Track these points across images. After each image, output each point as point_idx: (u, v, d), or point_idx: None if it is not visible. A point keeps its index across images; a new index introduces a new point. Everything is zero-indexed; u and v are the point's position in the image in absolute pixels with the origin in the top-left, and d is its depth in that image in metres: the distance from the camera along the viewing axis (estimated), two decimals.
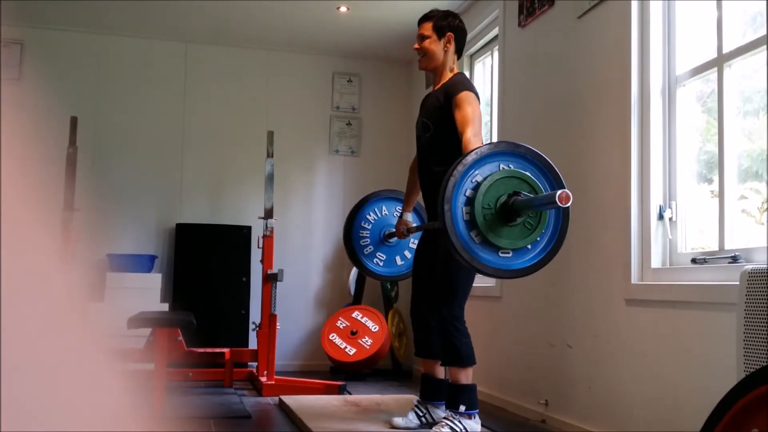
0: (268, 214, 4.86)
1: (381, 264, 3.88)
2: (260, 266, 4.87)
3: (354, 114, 6.28)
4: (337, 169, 6.22)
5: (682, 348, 2.82)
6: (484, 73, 5.25)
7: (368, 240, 3.86)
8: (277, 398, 4.27)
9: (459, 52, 3.39)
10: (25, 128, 0.39)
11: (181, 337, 4.16)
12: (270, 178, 4.94)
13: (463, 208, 2.56)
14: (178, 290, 5.59)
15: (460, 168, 2.57)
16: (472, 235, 2.57)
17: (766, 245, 2.57)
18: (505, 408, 4.16)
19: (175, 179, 5.87)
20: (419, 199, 3.63)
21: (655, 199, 3.15)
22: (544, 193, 2.56)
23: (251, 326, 5.32)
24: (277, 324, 4.74)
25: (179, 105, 5.93)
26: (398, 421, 3.32)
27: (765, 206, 2.90)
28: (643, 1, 3.25)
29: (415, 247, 3.65)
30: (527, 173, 2.63)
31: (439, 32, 3.33)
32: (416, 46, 3.38)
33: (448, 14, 3.39)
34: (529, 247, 2.63)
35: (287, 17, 5.42)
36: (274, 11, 5.31)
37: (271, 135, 5.06)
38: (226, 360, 4.86)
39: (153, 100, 5.87)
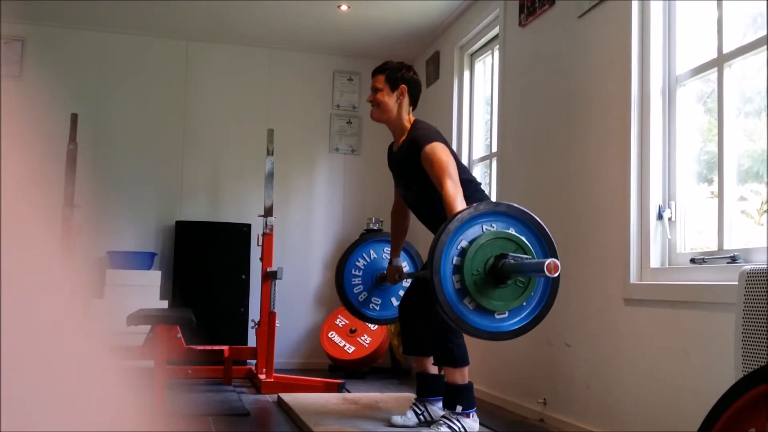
0: (268, 212, 4.87)
1: (378, 308, 3.84)
2: (260, 264, 4.87)
3: (354, 112, 6.28)
4: (337, 167, 6.22)
5: (681, 348, 2.82)
6: (485, 73, 5.25)
7: (361, 287, 3.83)
8: (276, 396, 4.27)
9: (414, 103, 3.35)
10: (26, 125, 0.40)
11: (180, 335, 4.16)
12: (270, 176, 4.94)
13: (453, 278, 2.55)
14: (177, 287, 5.59)
15: (444, 237, 2.54)
16: (465, 303, 2.56)
17: (765, 246, 2.57)
18: (504, 407, 4.16)
19: (176, 177, 5.87)
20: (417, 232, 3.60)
21: (655, 199, 3.15)
22: (533, 261, 2.54)
23: (250, 324, 5.32)
24: (277, 322, 4.74)
25: (180, 102, 5.93)
26: (397, 419, 3.32)
27: (764, 207, 2.91)
28: (643, 1, 3.25)
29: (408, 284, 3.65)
30: (511, 230, 2.63)
31: (392, 84, 3.29)
32: (369, 98, 3.35)
33: (401, 66, 3.35)
34: (524, 304, 2.63)
35: (288, 15, 5.42)
36: (274, 9, 5.31)
37: (271, 133, 5.06)
38: (226, 357, 4.86)
39: (154, 97, 5.87)
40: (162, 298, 5.34)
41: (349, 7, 5.21)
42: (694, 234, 3.12)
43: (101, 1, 5.22)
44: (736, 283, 2.15)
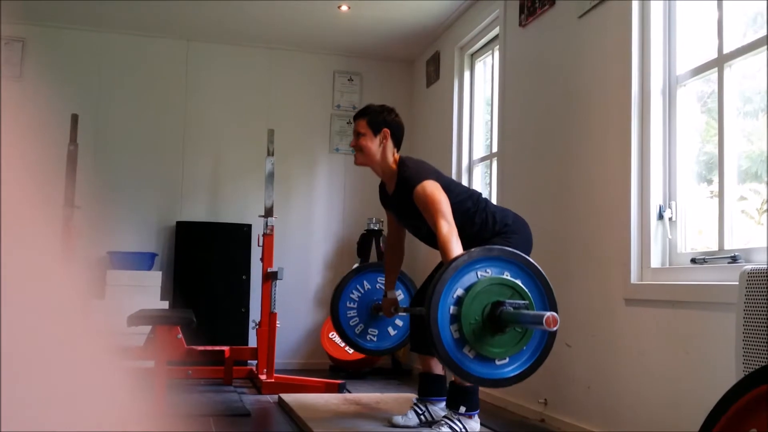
0: (269, 212, 4.87)
1: (375, 339, 3.82)
2: (260, 264, 4.88)
3: (354, 112, 6.27)
4: (337, 167, 6.22)
5: (681, 348, 2.82)
6: (485, 73, 5.25)
7: (357, 319, 3.80)
8: (276, 396, 4.27)
9: (398, 145, 3.32)
10: (27, 126, 0.40)
11: (181, 335, 4.17)
12: (270, 177, 4.94)
13: (451, 327, 2.54)
14: (178, 288, 5.59)
15: (439, 287, 2.53)
16: (465, 352, 2.56)
17: (765, 245, 2.57)
18: (505, 407, 4.16)
19: (176, 177, 5.88)
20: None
21: (655, 199, 3.15)
22: (532, 313, 2.53)
23: (251, 324, 5.32)
24: (277, 322, 4.75)
25: (180, 103, 5.93)
26: (398, 419, 3.32)
27: (764, 207, 2.91)
28: (643, 1, 3.25)
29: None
30: (507, 275, 2.62)
31: (375, 129, 3.26)
32: (352, 143, 3.33)
33: (383, 109, 3.33)
34: (524, 348, 2.62)
35: (288, 16, 5.42)
36: (275, 10, 5.32)
37: (271, 133, 5.06)
38: (226, 358, 4.86)
39: (154, 97, 5.87)
40: (163, 298, 5.34)
41: (349, 8, 5.21)
42: (695, 234, 3.12)
43: (102, 2, 5.22)
44: (737, 283, 2.15)
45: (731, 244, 2.80)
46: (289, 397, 4.02)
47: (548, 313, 2.39)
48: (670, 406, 2.86)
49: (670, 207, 3.13)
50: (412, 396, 3.63)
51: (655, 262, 3.13)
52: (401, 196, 3.17)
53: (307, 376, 4.92)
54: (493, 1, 4.73)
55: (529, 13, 4.18)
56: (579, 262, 3.56)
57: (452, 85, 5.41)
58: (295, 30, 5.72)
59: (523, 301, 2.58)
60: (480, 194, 3.31)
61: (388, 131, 3.27)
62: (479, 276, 2.60)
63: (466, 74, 5.36)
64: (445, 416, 3.17)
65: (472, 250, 2.66)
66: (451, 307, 2.55)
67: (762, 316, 2.02)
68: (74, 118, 4.68)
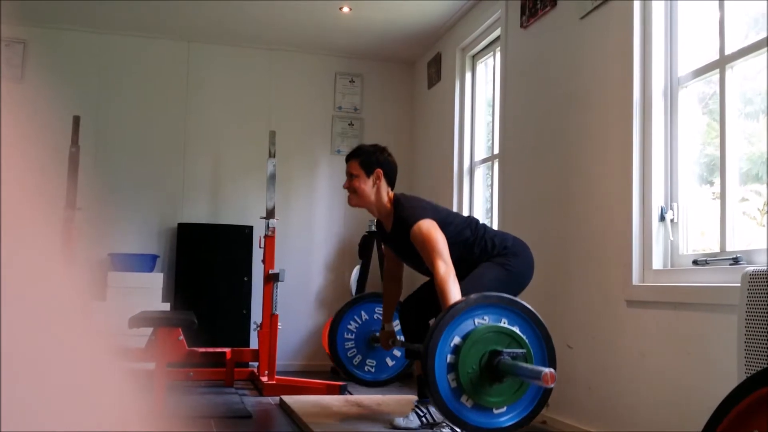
0: (270, 214, 4.87)
1: (373, 370, 3.82)
2: (262, 266, 4.87)
3: (356, 114, 6.28)
4: (339, 169, 6.21)
5: (683, 349, 2.82)
6: (486, 74, 5.25)
7: (355, 350, 3.80)
8: (278, 398, 4.27)
9: (391, 184, 3.31)
10: (28, 128, 0.40)
11: (182, 337, 4.17)
12: (272, 178, 4.94)
13: (448, 376, 2.53)
14: (179, 290, 5.59)
15: (436, 336, 2.52)
16: (462, 401, 2.54)
17: (766, 247, 2.57)
18: None
19: (177, 179, 5.88)
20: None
21: (657, 201, 3.15)
22: (529, 367, 2.50)
23: (252, 326, 5.32)
24: (279, 324, 4.74)
25: (181, 104, 5.93)
26: (399, 421, 3.32)
27: (766, 208, 2.90)
28: (645, 2, 3.25)
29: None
30: (504, 321, 2.60)
31: (367, 170, 3.25)
32: (345, 185, 3.32)
33: (375, 150, 3.32)
34: (522, 397, 2.61)
35: (289, 17, 5.43)
36: (276, 11, 5.32)
37: (273, 135, 5.06)
38: (228, 360, 4.86)
39: (155, 99, 5.87)
40: (164, 300, 5.34)
41: (350, 9, 5.22)
42: (697, 235, 3.12)
43: (102, 4, 5.23)
44: (739, 284, 2.15)
45: (733, 246, 2.79)
46: (290, 399, 4.02)
47: (546, 370, 2.36)
48: (672, 407, 2.86)
49: (671, 208, 3.12)
50: (414, 398, 3.62)
51: (657, 263, 3.12)
52: (399, 235, 3.16)
53: (309, 377, 4.92)
54: (494, 1, 4.73)
55: (531, 14, 4.18)
56: (580, 264, 3.56)
57: (453, 86, 5.41)
58: (296, 31, 5.72)
59: (521, 350, 2.55)
60: (477, 221, 3.30)
61: (381, 171, 3.26)
62: (476, 323, 2.57)
63: (468, 75, 5.36)
64: None
65: (470, 296, 2.63)
66: (448, 356, 2.53)
67: (764, 317, 2.01)
68: (76, 120, 4.68)
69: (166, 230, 5.80)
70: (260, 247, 4.90)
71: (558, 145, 3.85)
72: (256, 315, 5.30)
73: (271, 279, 4.74)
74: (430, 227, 3.02)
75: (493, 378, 2.53)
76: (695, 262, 2.93)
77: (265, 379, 4.63)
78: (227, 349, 4.88)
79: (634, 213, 3.18)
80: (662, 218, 3.13)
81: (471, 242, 3.15)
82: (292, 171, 6.01)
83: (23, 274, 0.37)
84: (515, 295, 2.84)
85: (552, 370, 2.38)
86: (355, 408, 3.82)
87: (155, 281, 5.31)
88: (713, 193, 3.05)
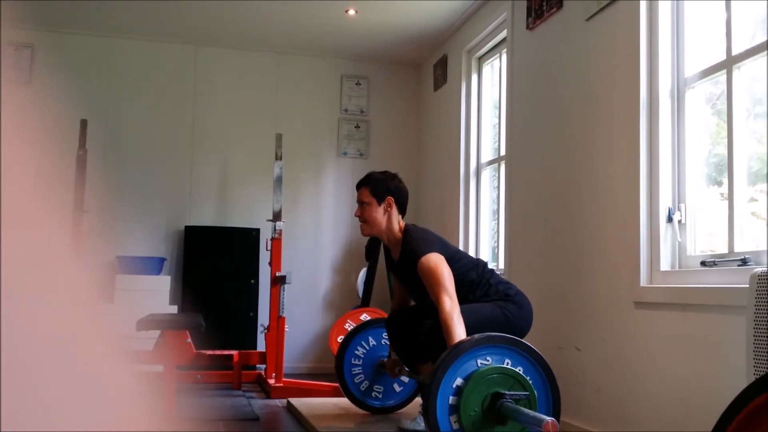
0: (277, 216, 4.87)
1: (380, 396, 3.80)
2: (269, 269, 4.88)
3: (362, 117, 6.28)
4: (345, 171, 6.22)
5: (691, 351, 2.81)
6: (492, 76, 5.24)
7: (362, 376, 3.79)
8: (285, 401, 4.27)
9: (402, 212, 3.29)
10: (36, 131, 0.40)
11: (190, 340, 4.17)
12: (278, 181, 4.95)
13: (450, 418, 2.51)
14: (187, 292, 5.60)
15: (438, 376, 2.50)
16: None
17: None
18: None
19: (185, 182, 5.89)
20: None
21: (664, 202, 3.14)
22: (532, 414, 2.47)
23: (260, 328, 5.32)
24: (286, 326, 4.75)
25: (189, 107, 5.95)
26: (406, 424, 3.32)
27: None
28: (651, 3, 3.24)
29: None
30: (507, 363, 2.58)
31: (378, 197, 3.24)
32: (357, 213, 3.31)
33: (385, 177, 3.30)
34: None
35: (296, 20, 5.44)
36: (283, 14, 5.33)
37: (279, 137, 5.07)
38: (235, 362, 4.87)
39: (162, 102, 5.89)
40: (171, 302, 5.35)
41: (356, 12, 5.22)
42: (704, 236, 3.10)
43: (110, 8, 5.25)
44: (747, 285, 2.14)
45: (741, 247, 2.78)
46: (297, 402, 4.02)
47: (548, 419, 2.33)
48: (681, 409, 2.84)
49: (679, 209, 3.11)
50: (421, 401, 3.62)
51: (665, 264, 3.11)
52: (405, 265, 3.14)
53: (316, 380, 4.92)
54: (500, 3, 4.73)
55: (537, 16, 4.18)
56: (588, 265, 3.55)
57: (460, 88, 5.40)
58: (303, 34, 5.73)
59: (524, 393, 2.53)
60: (485, 264, 3.27)
61: (392, 199, 3.24)
62: (479, 364, 2.55)
63: (474, 77, 5.36)
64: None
65: (474, 336, 2.61)
66: (451, 398, 2.51)
67: None
68: (83, 124, 4.70)
69: (174, 233, 5.82)
70: (267, 250, 4.91)
71: (565, 147, 3.84)
72: (264, 317, 5.31)
73: (278, 281, 4.75)
74: (438, 261, 2.99)
75: (495, 420, 2.50)
76: (703, 263, 2.92)
77: (272, 381, 4.63)
78: (235, 352, 4.89)
79: (642, 214, 3.17)
80: (670, 219, 3.12)
81: (475, 285, 3.12)
82: (298, 173, 6.01)
83: (31, 276, 0.37)
84: None
85: (554, 419, 2.35)
86: (363, 411, 3.82)
87: (163, 284, 5.32)
88: (721, 193, 3.04)
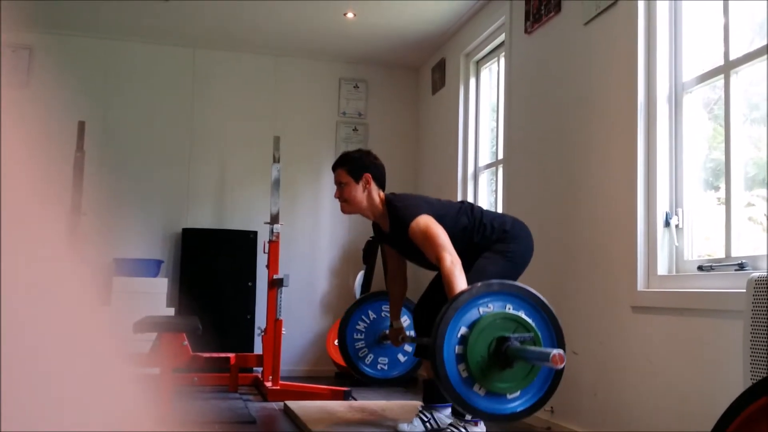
0: (274, 219, 4.87)
1: (386, 367, 3.81)
2: (266, 271, 4.88)
3: (360, 120, 6.29)
4: None
5: (689, 355, 2.81)
6: (491, 80, 5.25)
7: (366, 350, 3.80)
8: (282, 403, 4.27)
9: (382, 186, 3.30)
10: (34, 133, 0.40)
11: (186, 342, 4.16)
12: (276, 184, 4.95)
13: (458, 367, 2.53)
14: (184, 295, 5.59)
15: (442, 329, 2.52)
16: (475, 390, 2.54)
17: None
18: None
19: (182, 184, 5.89)
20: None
21: (662, 206, 3.14)
22: (537, 350, 2.50)
23: (257, 331, 5.32)
24: (283, 329, 4.74)
25: (186, 110, 5.94)
26: (403, 426, 3.31)
27: None
28: (649, 7, 3.25)
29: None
30: (509, 308, 2.60)
31: (355, 176, 3.26)
32: (336, 195, 3.33)
33: (360, 155, 3.33)
34: (534, 380, 2.60)
35: (294, 23, 5.44)
36: (281, 17, 5.33)
37: (277, 140, 5.07)
38: (232, 365, 4.86)
39: (160, 105, 5.89)
40: (168, 305, 5.34)
41: (355, 15, 5.23)
42: (702, 241, 3.11)
43: (108, 10, 5.24)
44: (744, 290, 2.14)
45: (738, 251, 2.78)
46: (294, 405, 4.02)
47: (555, 351, 2.35)
48: (678, 413, 2.85)
49: (676, 214, 3.12)
50: (418, 403, 3.62)
51: (662, 269, 3.12)
52: (400, 234, 3.15)
53: (313, 383, 4.91)
54: (499, 7, 4.73)
55: (535, 20, 4.19)
56: (585, 269, 3.55)
57: (458, 91, 5.41)
58: (301, 37, 5.73)
59: (528, 334, 2.55)
60: (471, 205, 3.29)
61: (370, 175, 3.26)
62: (481, 312, 2.57)
63: (472, 81, 5.37)
64: (450, 423, 3.17)
65: (473, 286, 2.63)
66: (457, 347, 2.53)
67: None
68: (81, 126, 4.70)
69: (171, 235, 5.81)
70: (264, 252, 4.91)
71: (562, 151, 3.85)
72: (261, 320, 5.30)
73: (275, 284, 4.74)
74: (427, 222, 3.02)
75: (503, 364, 2.52)
76: (700, 268, 2.92)
77: (269, 384, 4.63)
78: (231, 354, 4.88)
79: (639, 218, 3.17)
80: (667, 224, 3.12)
81: (470, 229, 3.13)
82: (296, 176, 6.01)
83: (29, 278, 0.37)
84: (517, 279, 2.86)
85: (560, 351, 2.37)
86: (360, 413, 3.82)
87: (160, 286, 5.32)
88: (718, 198, 3.04)
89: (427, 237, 2.98)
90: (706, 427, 1.57)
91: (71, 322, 0.40)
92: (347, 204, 3.30)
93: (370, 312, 3.85)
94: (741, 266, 2.69)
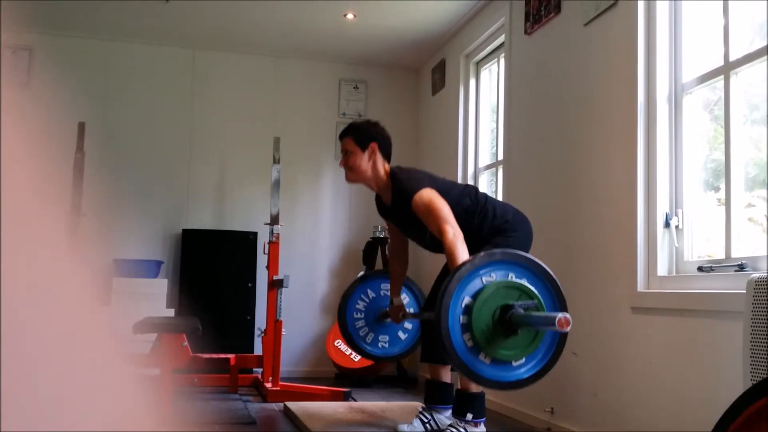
0: (274, 220, 4.87)
1: (387, 345, 3.81)
2: (266, 272, 4.88)
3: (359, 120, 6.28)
4: (343, 175, 6.21)
5: (688, 356, 2.81)
6: (491, 80, 5.25)
7: (366, 329, 3.80)
8: (282, 404, 4.27)
9: (387, 158, 3.31)
10: (34, 134, 0.40)
11: (186, 343, 4.16)
12: (276, 184, 4.95)
13: (464, 336, 2.53)
14: (184, 296, 5.59)
15: (446, 300, 2.52)
16: (480, 358, 2.54)
17: None
18: (511, 416, 4.15)
19: (182, 185, 5.89)
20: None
21: (662, 207, 3.14)
22: (543, 315, 2.51)
23: (257, 332, 5.32)
24: (283, 330, 4.74)
25: (187, 111, 5.95)
26: (403, 427, 3.31)
27: None
28: (649, 8, 3.25)
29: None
30: (512, 276, 2.60)
31: (362, 144, 3.26)
32: (341, 163, 3.33)
33: (367, 125, 3.33)
34: (539, 346, 2.60)
35: (294, 24, 5.44)
36: (281, 18, 5.33)
37: (277, 141, 5.07)
38: (232, 366, 4.86)
39: (160, 106, 5.89)
40: (168, 306, 5.34)
41: (355, 16, 5.23)
42: (702, 242, 3.11)
43: (108, 11, 5.25)
44: (744, 291, 2.14)
45: (738, 252, 2.79)
46: (294, 405, 4.01)
47: (560, 315, 2.37)
48: (678, 414, 2.85)
49: (676, 215, 3.12)
50: (418, 404, 3.62)
51: (662, 270, 3.12)
52: (402, 206, 3.16)
53: (313, 383, 4.91)
54: (499, 8, 4.74)
55: (535, 20, 4.19)
56: (585, 270, 3.55)
57: (458, 92, 5.41)
58: (301, 38, 5.74)
59: (532, 301, 2.56)
60: (476, 189, 3.31)
61: (376, 145, 3.27)
62: (484, 282, 2.58)
63: (472, 82, 5.37)
64: (450, 424, 3.16)
65: (475, 256, 2.65)
66: (461, 317, 2.54)
67: None
68: (81, 126, 4.70)
69: (171, 236, 5.81)
70: (264, 253, 4.91)
71: (562, 151, 3.85)
72: (261, 321, 5.30)
73: (275, 285, 4.74)
74: (431, 195, 3.03)
75: (507, 332, 2.53)
76: (700, 269, 2.92)
77: (269, 385, 4.63)
78: (231, 355, 4.88)
79: (639, 219, 3.17)
80: (667, 224, 3.13)
81: (471, 211, 3.14)
82: (296, 177, 6.01)
83: (29, 279, 0.37)
84: None
85: (566, 314, 2.37)
86: (359, 414, 3.82)
87: (160, 287, 5.32)
88: (718, 199, 3.04)
89: (430, 210, 2.98)
90: (705, 428, 1.57)
91: (71, 323, 0.40)
92: (352, 172, 3.30)
93: (369, 291, 3.85)
94: (741, 267, 2.69)
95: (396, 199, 3.21)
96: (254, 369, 5.19)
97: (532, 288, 2.59)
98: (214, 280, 5.66)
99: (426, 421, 3.35)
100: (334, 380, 5.54)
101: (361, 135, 3.29)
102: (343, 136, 3.35)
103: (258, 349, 5.24)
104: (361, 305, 3.82)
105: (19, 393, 0.34)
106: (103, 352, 0.41)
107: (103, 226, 5.20)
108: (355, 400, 4.47)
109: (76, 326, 0.40)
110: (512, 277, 2.61)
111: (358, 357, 5.46)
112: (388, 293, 3.72)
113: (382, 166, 3.29)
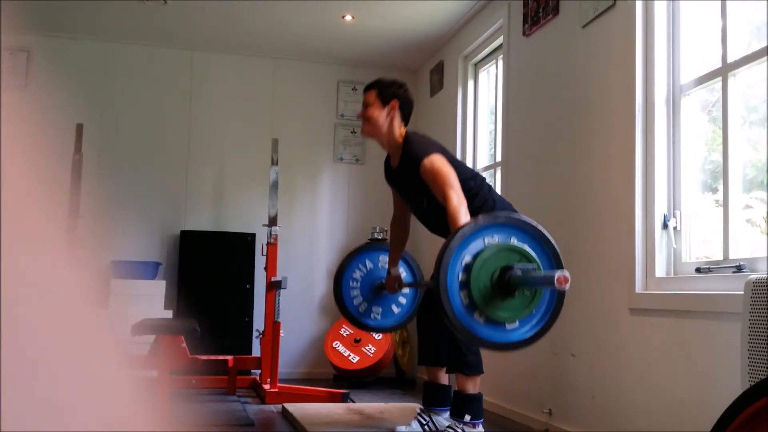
0: (272, 221, 4.87)
1: (379, 317, 3.80)
2: (264, 273, 4.87)
3: (359, 122, 6.27)
4: (341, 176, 6.22)
5: (686, 357, 2.81)
6: (489, 82, 5.26)
7: (361, 299, 3.78)
8: (280, 406, 4.27)
9: (406, 120, 3.32)
10: (31, 135, 0.40)
11: (184, 344, 4.16)
12: (274, 186, 4.95)
13: (461, 294, 2.54)
14: (182, 297, 5.59)
15: (447, 255, 2.52)
16: (475, 317, 2.55)
17: None
18: (509, 417, 4.15)
19: (180, 186, 5.89)
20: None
21: (660, 208, 3.15)
22: (541, 274, 2.52)
23: (255, 333, 5.32)
24: (281, 331, 4.74)
25: (185, 112, 5.94)
26: (401, 429, 3.31)
27: None
28: (647, 11, 3.25)
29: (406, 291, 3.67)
30: (514, 240, 2.61)
31: (384, 100, 3.26)
32: (360, 114, 3.33)
33: (393, 83, 3.33)
34: (534, 311, 2.61)
35: (292, 26, 5.44)
36: (279, 20, 5.33)
37: (275, 142, 5.07)
38: (230, 367, 4.86)
39: (158, 107, 5.89)
40: (166, 307, 5.34)
41: (353, 17, 5.23)
42: (700, 243, 3.11)
43: (106, 13, 5.24)
44: (742, 292, 2.15)
45: (736, 254, 2.79)
46: (292, 407, 4.01)
47: (559, 272, 2.37)
48: (676, 415, 2.85)
49: (674, 216, 3.12)
50: (416, 406, 3.62)
51: (660, 271, 3.12)
52: (407, 169, 3.16)
53: (311, 385, 4.91)
54: (497, 9, 4.74)
55: (533, 22, 4.19)
56: (583, 272, 3.55)
57: (456, 94, 5.41)
58: (299, 40, 5.74)
59: (531, 265, 2.57)
60: (484, 178, 3.32)
61: (397, 103, 3.27)
62: (486, 243, 2.59)
63: (470, 83, 5.37)
64: (449, 426, 3.16)
65: (479, 217, 2.65)
66: (460, 274, 2.54)
67: (767, 325, 2.01)
68: (79, 128, 4.70)
69: (169, 238, 5.81)
70: (263, 255, 4.91)
71: (560, 153, 3.85)
72: (259, 322, 5.30)
73: (273, 286, 4.74)
74: (441, 161, 3.04)
75: (504, 293, 2.53)
76: (698, 270, 2.92)
77: (267, 386, 4.62)
78: (229, 357, 4.88)
79: (637, 220, 3.18)
80: (665, 226, 3.13)
81: (473, 194, 3.14)
82: (294, 178, 6.01)
83: (27, 281, 0.37)
84: None
85: (564, 271, 2.38)
86: (358, 416, 3.82)
87: (158, 289, 5.31)
88: (716, 200, 3.04)
89: (438, 174, 2.99)
90: (703, 429, 1.57)
91: (69, 325, 0.40)
92: (368, 124, 3.29)
93: (367, 261, 3.84)
94: (739, 268, 2.69)
95: (403, 161, 3.21)
96: (252, 370, 5.19)
97: (533, 253, 2.59)
98: (212, 281, 5.65)
99: (424, 422, 3.35)
100: (332, 382, 5.54)
101: (385, 90, 3.29)
102: (368, 88, 3.35)
103: (256, 351, 5.24)
104: (357, 275, 3.81)
105: (18, 394, 0.34)
106: (101, 354, 0.41)
107: (101, 228, 5.20)
108: (353, 402, 4.47)
109: (74, 328, 0.40)
110: (514, 240, 2.62)
111: (357, 358, 5.46)
112: (386, 266, 3.71)
113: (399, 127, 3.29)
